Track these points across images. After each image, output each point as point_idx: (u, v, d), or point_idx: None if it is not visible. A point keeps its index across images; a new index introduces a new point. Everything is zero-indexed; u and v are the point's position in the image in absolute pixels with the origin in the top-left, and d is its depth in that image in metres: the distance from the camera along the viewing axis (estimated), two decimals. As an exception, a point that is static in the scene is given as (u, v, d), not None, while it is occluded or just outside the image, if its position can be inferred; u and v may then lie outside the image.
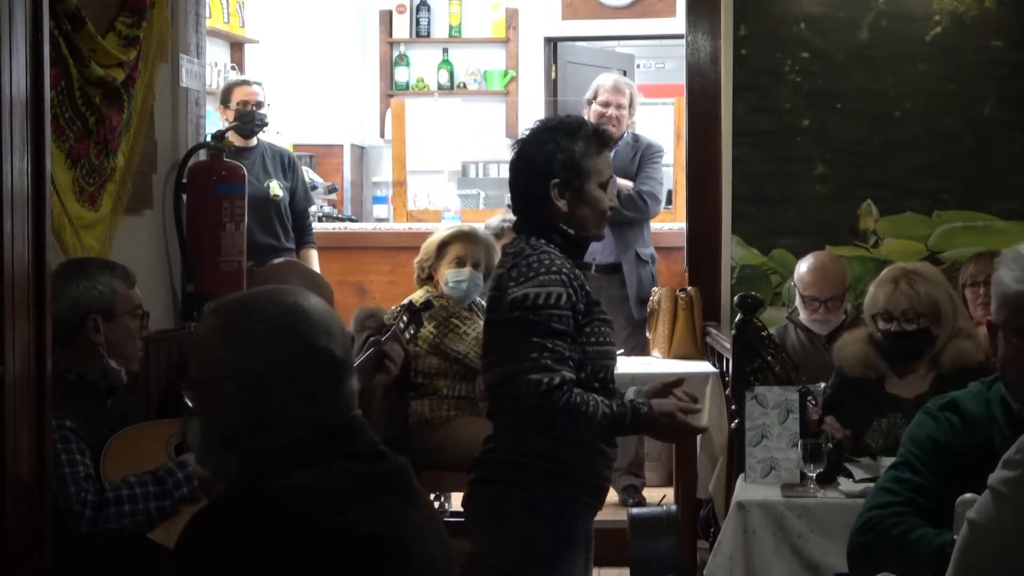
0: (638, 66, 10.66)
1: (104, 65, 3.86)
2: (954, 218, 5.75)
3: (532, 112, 9.54)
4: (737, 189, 5.76)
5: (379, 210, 9.05)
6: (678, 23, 7.74)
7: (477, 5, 9.85)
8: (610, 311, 3.43)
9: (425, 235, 5.18)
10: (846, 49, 5.75)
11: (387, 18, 9.90)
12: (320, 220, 7.54)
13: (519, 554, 3.15)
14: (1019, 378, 2.57)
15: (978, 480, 2.13)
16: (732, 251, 5.77)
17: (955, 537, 2.19)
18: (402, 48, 9.94)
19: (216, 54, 8.06)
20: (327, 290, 4.12)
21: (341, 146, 9.57)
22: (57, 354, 3.04)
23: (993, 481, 2.05)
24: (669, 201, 7.80)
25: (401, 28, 9.91)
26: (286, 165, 6.42)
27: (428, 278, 4.95)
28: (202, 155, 4.71)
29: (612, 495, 5.45)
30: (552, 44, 9.84)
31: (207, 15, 5.27)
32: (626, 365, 5.08)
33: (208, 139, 4.75)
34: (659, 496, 5.91)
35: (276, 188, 6.29)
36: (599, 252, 6.05)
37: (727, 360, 4.90)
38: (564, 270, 3.12)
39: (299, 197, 6.45)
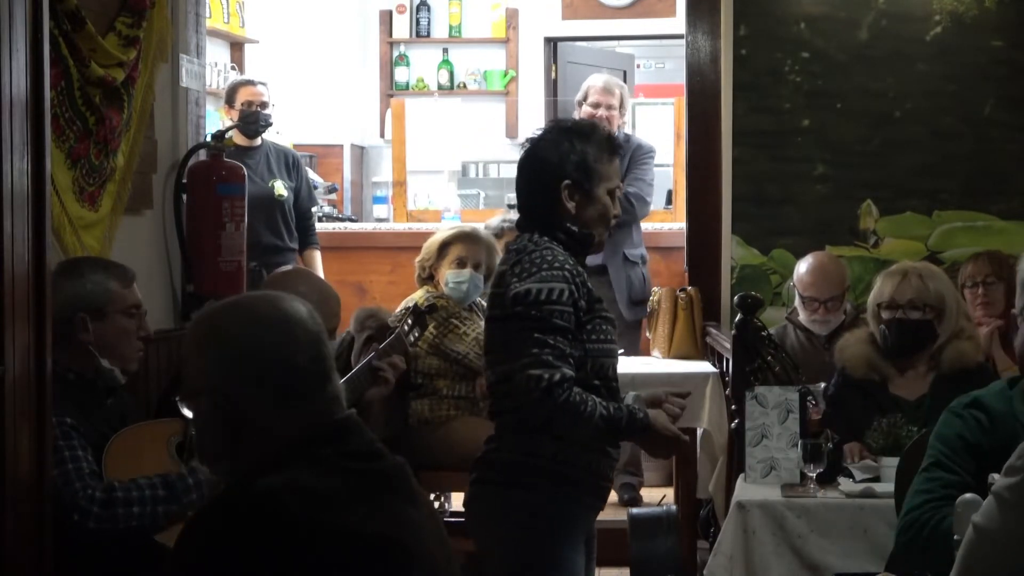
0: (638, 66, 10.65)
1: (104, 65, 3.86)
2: (954, 218, 5.75)
3: (532, 112, 9.56)
4: (737, 189, 5.76)
5: (379, 210, 9.05)
6: (678, 23, 7.74)
7: (477, 5, 9.84)
8: None
9: (425, 235, 5.18)
10: (846, 49, 5.74)
11: (387, 18, 9.90)
12: (320, 220, 7.53)
13: (521, 554, 3.14)
14: None
15: None
16: (732, 251, 5.77)
17: (957, 538, 2.19)
18: (402, 48, 9.94)
19: (216, 54, 8.05)
20: (334, 300, 4.12)
21: (341, 146, 9.57)
22: (56, 354, 3.04)
23: (997, 487, 2.05)
24: (669, 201, 7.80)
25: (401, 28, 9.90)
26: (290, 165, 6.42)
27: (429, 278, 4.95)
28: (202, 155, 4.70)
29: (611, 495, 5.45)
30: (552, 44, 9.84)
31: (207, 15, 5.27)
32: (626, 365, 5.08)
33: (208, 139, 4.75)
34: (659, 496, 5.92)
35: (280, 188, 6.29)
36: None
37: (727, 360, 4.90)
38: (567, 266, 3.13)
39: (303, 197, 6.45)
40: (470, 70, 9.85)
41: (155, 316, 4.31)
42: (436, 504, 5.07)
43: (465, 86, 9.84)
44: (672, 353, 5.52)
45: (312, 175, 7.81)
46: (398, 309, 4.78)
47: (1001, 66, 5.71)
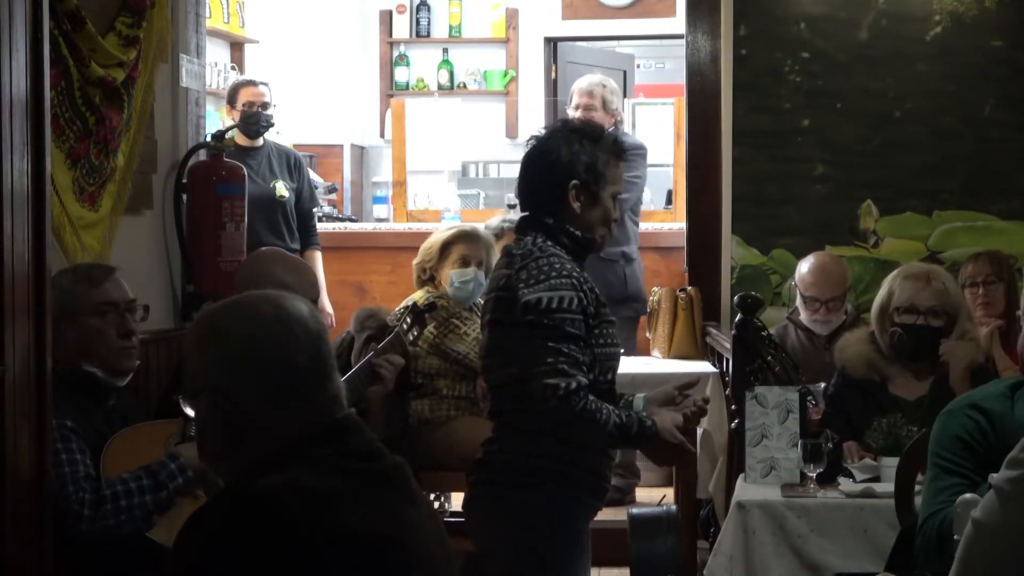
0: (638, 66, 10.65)
1: (104, 65, 3.86)
2: (954, 218, 5.75)
3: (532, 112, 9.56)
4: (737, 189, 5.76)
5: (379, 210, 9.04)
6: (678, 23, 7.73)
7: (477, 5, 9.84)
8: None
9: (425, 235, 5.17)
10: (846, 49, 5.75)
11: (387, 18, 9.90)
12: (320, 220, 7.53)
13: (525, 557, 3.14)
14: None
15: None
16: (732, 251, 5.77)
17: (957, 538, 2.18)
18: (402, 48, 9.94)
19: (216, 54, 8.05)
20: (311, 272, 4.14)
21: (341, 146, 9.56)
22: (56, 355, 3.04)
23: (998, 480, 2.04)
24: (669, 201, 7.80)
25: (401, 28, 9.90)
26: (292, 166, 6.42)
27: (430, 279, 4.94)
28: (202, 155, 4.70)
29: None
30: (552, 44, 9.83)
31: (207, 15, 5.27)
32: (627, 365, 5.08)
33: (208, 139, 4.74)
34: (659, 496, 5.91)
35: (282, 189, 6.29)
36: None
37: (727, 360, 4.90)
38: (575, 274, 3.13)
39: (304, 198, 6.45)
40: (470, 70, 9.85)
41: (155, 316, 4.31)
42: (436, 504, 5.06)
43: (465, 86, 9.83)
44: (672, 353, 5.52)
45: (312, 175, 7.81)
46: (397, 309, 4.78)
47: (1001, 66, 5.72)
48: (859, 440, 4.08)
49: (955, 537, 2.22)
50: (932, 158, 5.74)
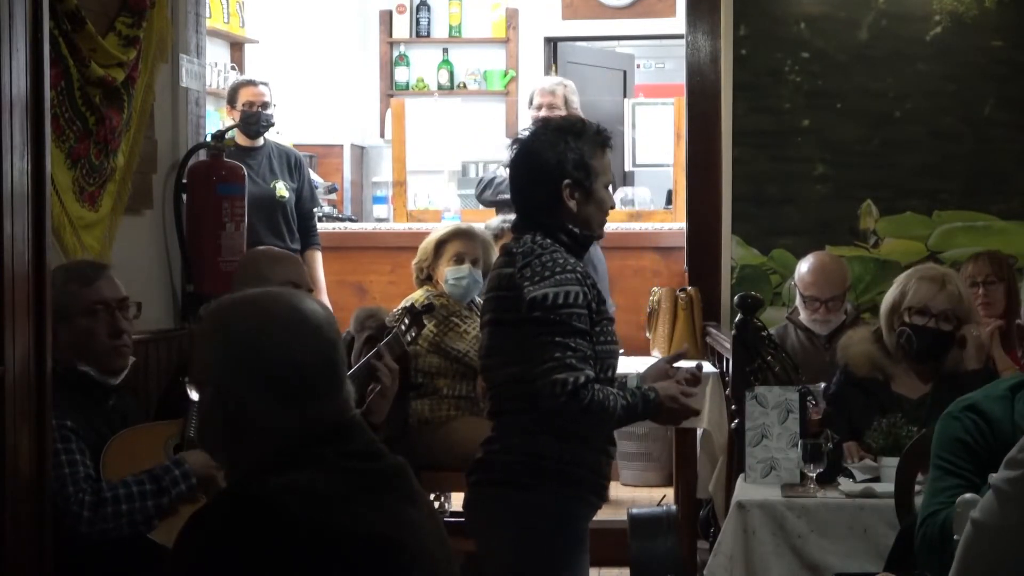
0: (638, 66, 10.65)
1: (104, 65, 3.86)
2: (954, 218, 5.75)
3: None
4: (737, 189, 5.76)
5: (379, 210, 9.05)
6: (678, 23, 7.74)
7: (477, 5, 9.84)
8: None
9: (425, 235, 5.17)
10: (846, 49, 5.75)
11: (387, 18, 9.90)
12: (320, 220, 7.53)
13: (525, 557, 3.14)
14: None
15: None
16: (732, 251, 5.77)
17: (957, 538, 2.18)
18: (402, 48, 9.93)
19: (216, 54, 8.05)
20: (293, 264, 4.19)
21: (341, 146, 9.56)
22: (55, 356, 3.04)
23: (997, 480, 2.04)
24: (669, 201, 7.80)
25: (401, 28, 9.90)
26: (292, 166, 6.41)
27: (427, 278, 4.95)
28: (202, 155, 4.70)
29: (611, 495, 5.44)
30: (552, 44, 9.83)
31: (207, 15, 5.26)
32: (627, 365, 5.08)
33: (208, 139, 4.74)
34: (659, 496, 5.91)
35: (282, 189, 6.29)
36: None
37: (727, 360, 4.90)
38: (578, 269, 3.14)
39: (305, 198, 6.45)
40: (470, 70, 9.84)
41: (155, 316, 4.31)
42: (436, 504, 5.07)
43: (465, 86, 9.83)
44: (672, 353, 5.51)
45: (312, 175, 7.81)
46: (395, 309, 4.78)
47: (1001, 66, 5.72)
48: (859, 440, 4.08)
49: (955, 537, 2.21)
50: (932, 158, 5.74)
